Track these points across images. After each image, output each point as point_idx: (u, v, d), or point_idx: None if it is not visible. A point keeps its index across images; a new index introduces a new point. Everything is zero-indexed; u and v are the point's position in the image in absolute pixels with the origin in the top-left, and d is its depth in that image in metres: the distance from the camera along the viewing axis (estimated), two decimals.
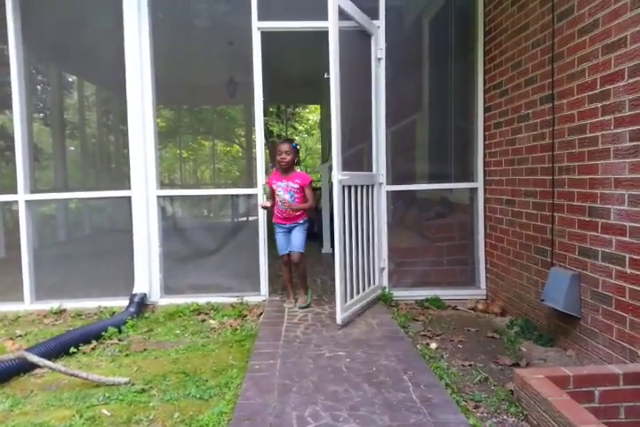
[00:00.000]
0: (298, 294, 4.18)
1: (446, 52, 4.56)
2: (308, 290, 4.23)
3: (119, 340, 3.44)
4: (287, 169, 4.04)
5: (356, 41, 4.22)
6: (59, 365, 2.80)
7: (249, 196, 4.43)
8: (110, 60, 4.78)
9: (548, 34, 3.30)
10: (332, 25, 3.57)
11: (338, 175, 3.61)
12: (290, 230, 4.10)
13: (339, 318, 3.53)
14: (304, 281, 4.18)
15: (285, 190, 4.00)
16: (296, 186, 4.00)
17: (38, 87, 7.44)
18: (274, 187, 4.05)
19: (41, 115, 7.51)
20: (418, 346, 3.19)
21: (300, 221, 4.08)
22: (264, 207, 4.09)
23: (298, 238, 4.06)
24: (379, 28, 4.28)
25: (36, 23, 4.51)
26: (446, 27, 4.67)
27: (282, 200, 4.01)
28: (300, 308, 3.99)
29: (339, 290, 3.54)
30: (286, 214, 4.04)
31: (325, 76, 3.84)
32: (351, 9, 3.88)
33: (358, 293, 3.90)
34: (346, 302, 3.65)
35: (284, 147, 4.03)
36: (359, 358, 2.93)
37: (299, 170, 4.01)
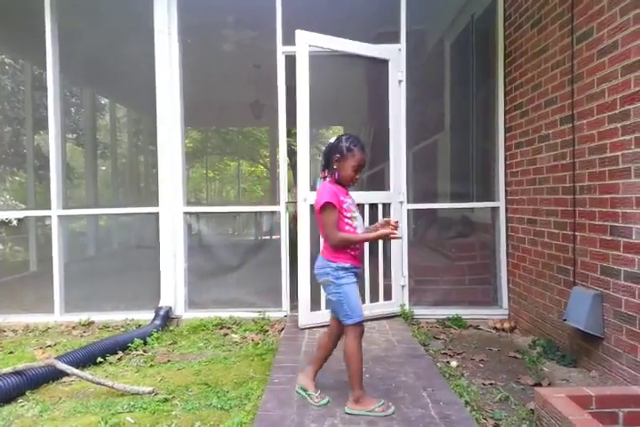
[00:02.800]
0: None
1: (467, 73, 4.64)
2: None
3: (144, 351, 3.53)
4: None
5: (369, 67, 4.42)
6: (86, 373, 2.89)
7: (272, 213, 4.52)
8: (141, 84, 5.00)
9: (567, 55, 3.35)
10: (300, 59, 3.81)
11: (303, 194, 3.69)
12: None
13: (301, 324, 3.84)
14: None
15: (357, 210, 2.61)
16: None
17: (72, 109, 7.78)
18: (345, 207, 2.52)
19: (74, 135, 7.83)
20: (438, 364, 3.18)
21: None
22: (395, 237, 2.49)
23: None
24: (400, 50, 4.40)
25: (72, 49, 4.77)
26: (467, 49, 4.76)
27: (358, 226, 2.55)
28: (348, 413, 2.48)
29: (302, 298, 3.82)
30: (361, 251, 2.66)
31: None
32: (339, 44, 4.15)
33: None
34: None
35: (363, 157, 2.57)
36: (378, 375, 2.94)
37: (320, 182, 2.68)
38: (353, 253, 2.56)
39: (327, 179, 2.58)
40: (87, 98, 7.53)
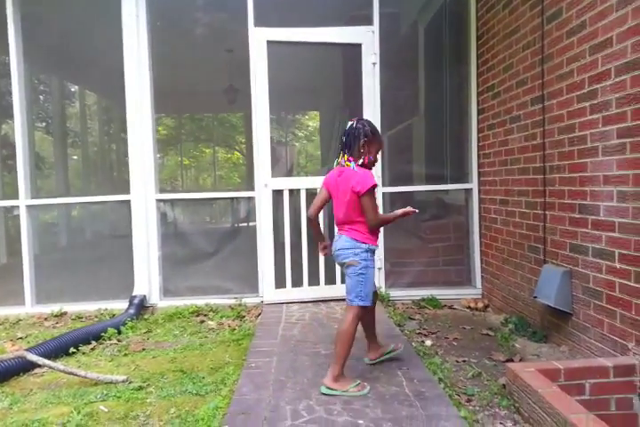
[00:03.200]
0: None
1: (441, 56, 4.64)
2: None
3: (118, 340, 3.49)
4: None
5: (342, 51, 4.50)
6: (57, 363, 2.84)
7: (248, 199, 4.48)
8: (110, 69, 4.86)
9: (537, 36, 3.36)
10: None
11: (264, 180, 4.01)
12: None
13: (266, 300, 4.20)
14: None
15: None
16: None
17: (40, 97, 7.55)
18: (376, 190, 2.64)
19: (43, 124, 7.62)
20: (413, 343, 3.22)
21: None
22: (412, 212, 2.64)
23: None
24: (373, 33, 4.35)
25: (36, 34, 4.60)
26: (440, 31, 4.74)
27: None
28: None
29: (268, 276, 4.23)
30: None
31: None
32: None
33: (318, 284, 4.30)
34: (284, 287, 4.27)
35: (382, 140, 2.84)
36: (354, 355, 2.94)
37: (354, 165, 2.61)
38: (378, 233, 2.68)
39: (353, 163, 2.56)
40: (55, 85, 7.32)
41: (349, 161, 2.57)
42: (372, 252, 2.61)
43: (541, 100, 3.33)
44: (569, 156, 3.03)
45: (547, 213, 3.27)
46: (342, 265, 2.65)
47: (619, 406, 2.41)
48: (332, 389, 2.47)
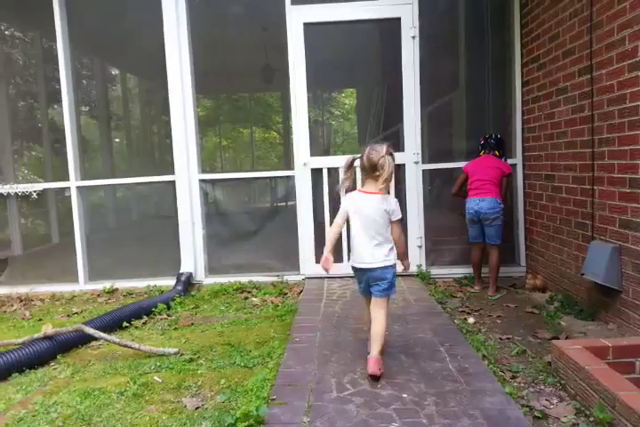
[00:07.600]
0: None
1: (482, 26, 4.49)
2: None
3: (168, 315, 3.63)
4: None
5: (380, 26, 4.47)
6: (113, 337, 2.99)
7: (287, 178, 4.51)
8: (150, 52, 4.94)
9: (586, 2, 3.21)
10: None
11: (303, 159, 4.11)
12: None
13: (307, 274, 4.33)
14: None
15: None
16: None
17: (84, 81, 7.74)
18: None
19: (87, 108, 7.81)
20: (455, 321, 3.22)
21: None
22: None
23: None
24: (411, 5, 4.25)
25: (80, 19, 4.70)
26: (481, 1, 4.58)
27: None
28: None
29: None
30: None
31: None
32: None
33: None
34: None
35: None
36: (396, 332, 3.00)
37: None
38: None
39: (504, 158, 4.11)
40: (98, 69, 7.47)
41: (499, 155, 4.04)
42: None
43: (589, 71, 3.19)
44: (619, 128, 2.92)
45: (595, 187, 3.17)
46: (487, 219, 3.81)
47: None
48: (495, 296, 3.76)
